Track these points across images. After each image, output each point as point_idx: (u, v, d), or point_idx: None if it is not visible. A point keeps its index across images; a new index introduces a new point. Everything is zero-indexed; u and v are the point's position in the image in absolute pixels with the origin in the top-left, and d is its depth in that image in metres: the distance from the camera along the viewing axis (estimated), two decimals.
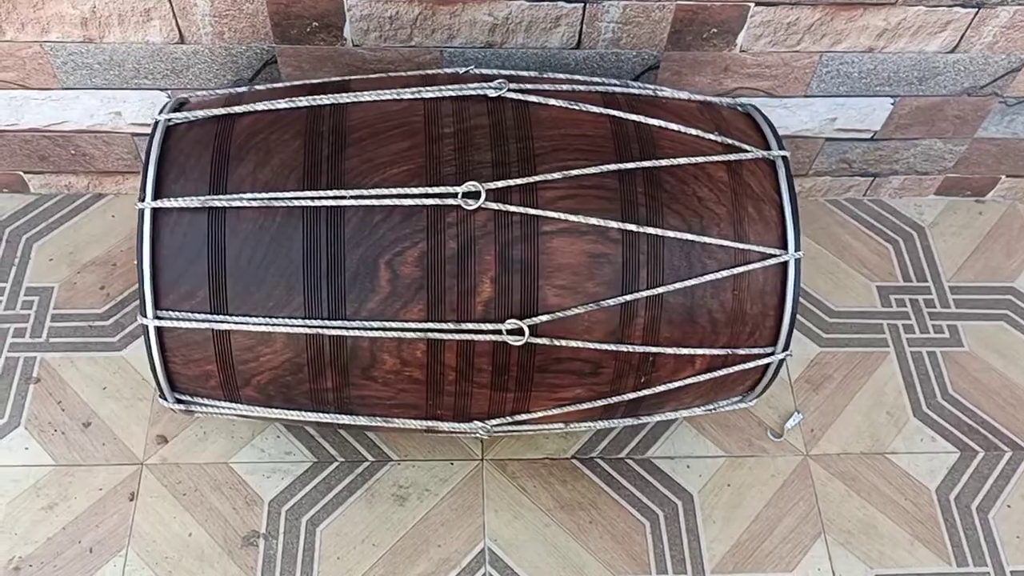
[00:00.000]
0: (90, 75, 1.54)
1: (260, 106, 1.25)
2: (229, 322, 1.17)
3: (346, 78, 1.37)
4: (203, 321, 1.18)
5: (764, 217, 1.26)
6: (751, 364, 1.31)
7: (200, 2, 1.43)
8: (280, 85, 1.35)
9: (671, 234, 1.21)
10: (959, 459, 1.62)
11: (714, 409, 1.44)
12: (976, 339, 1.75)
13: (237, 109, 1.25)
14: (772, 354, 1.31)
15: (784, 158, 1.30)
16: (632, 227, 1.20)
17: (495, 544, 1.49)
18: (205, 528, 1.47)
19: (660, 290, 1.21)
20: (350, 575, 1.44)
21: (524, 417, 1.31)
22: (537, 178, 1.19)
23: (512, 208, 1.18)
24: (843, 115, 1.71)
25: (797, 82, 1.63)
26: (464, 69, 1.43)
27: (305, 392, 1.24)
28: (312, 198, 1.17)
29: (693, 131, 1.28)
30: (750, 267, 1.24)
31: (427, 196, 1.17)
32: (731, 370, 1.31)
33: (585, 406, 1.30)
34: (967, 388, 1.70)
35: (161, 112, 1.27)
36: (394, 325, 1.18)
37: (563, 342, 1.21)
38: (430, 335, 1.18)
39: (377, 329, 1.18)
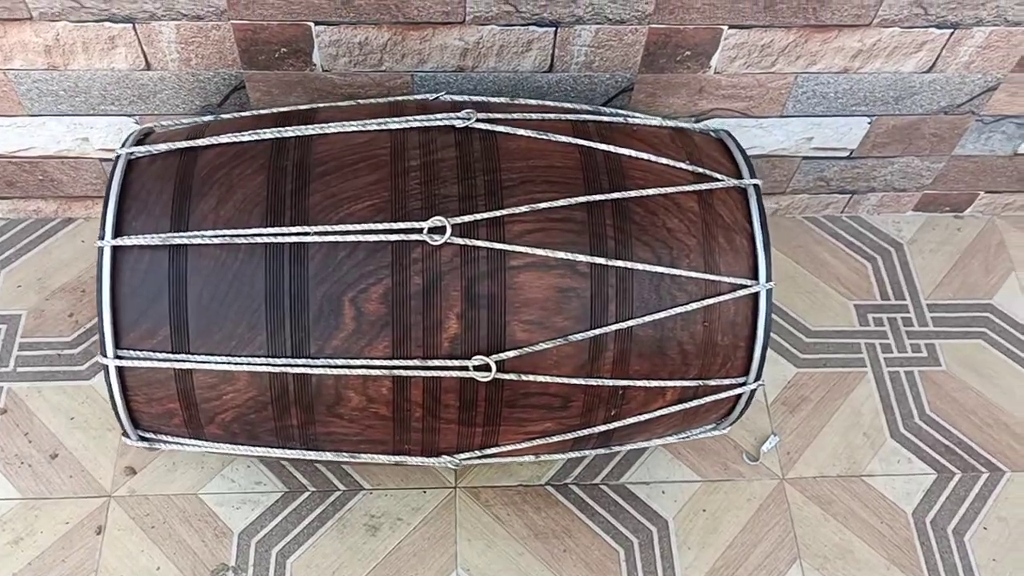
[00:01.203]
0: (56, 101, 1.52)
1: (224, 139, 1.23)
2: (191, 361, 1.15)
3: (315, 106, 1.35)
4: (164, 360, 1.16)
5: (735, 247, 1.25)
6: (723, 395, 1.29)
7: (165, 29, 1.40)
8: (247, 114, 1.33)
9: (640, 267, 1.19)
10: (936, 481, 1.62)
11: (687, 437, 1.43)
12: (954, 358, 1.75)
13: (200, 142, 1.23)
14: (744, 384, 1.30)
15: (756, 186, 1.28)
16: (600, 260, 1.18)
17: (468, 574, 1.47)
18: (174, 562, 1.45)
19: (629, 323, 1.20)
20: None
21: (494, 451, 1.29)
22: (504, 212, 1.18)
23: (478, 243, 1.16)
24: (819, 134, 1.70)
25: (772, 103, 1.62)
26: (434, 95, 1.41)
27: (270, 430, 1.23)
28: (275, 235, 1.15)
29: (664, 160, 1.26)
30: (721, 298, 1.23)
31: (392, 232, 1.15)
32: (703, 401, 1.29)
33: (555, 439, 1.29)
34: (944, 408, 1.69)
35: (123, 145, 1.25)
36: (359, 363, 1.16)
37: (531, 377, 1.19)
38: (395, 372, 1.17)
39: (342, 367, 1.16)
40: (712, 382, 1.28)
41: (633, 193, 1.22)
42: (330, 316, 1.15)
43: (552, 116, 1.30)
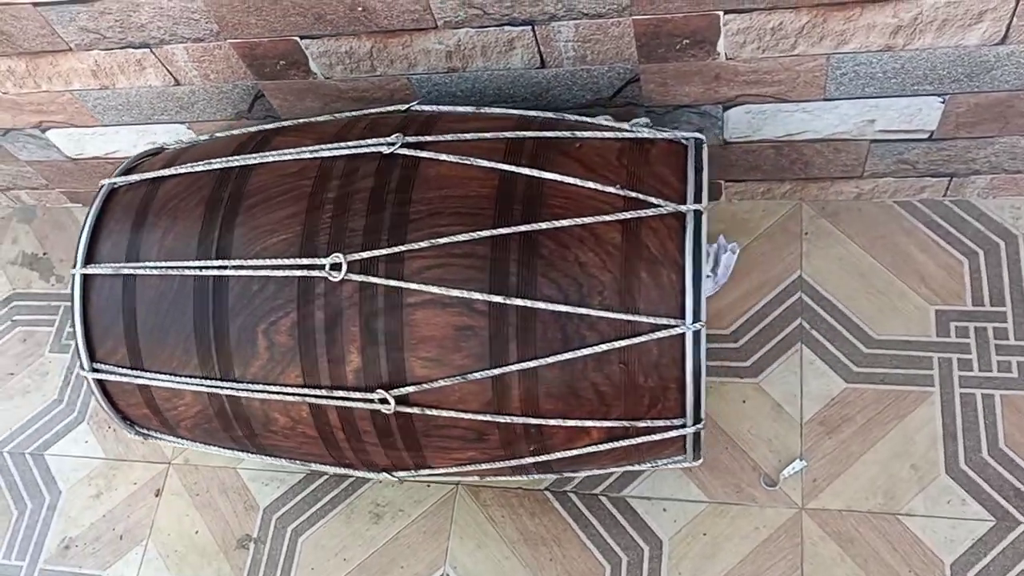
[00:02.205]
0: (118, 114, 1.70)
1: (183, 169, 1.32)
2: (144, 377, 1.29)
3: (279, 125, 1.40)
4: (125, 376, 1.30)
5: (660, 283, 1.14)
6: (660, 436, 1.20)
7: (179, 51, 1.51)
8: (222, 135, 1.42)
9: (543, 305, 1.13)
10: (992, 530, 1.39)
11: (656, 466, 1.34)
12: None
13: (165, 172, 1.33)
14: (683, 426, 1.19)
15: (696, 212, 1.15)
16: (499, 299, 1.14)
17: (454, 572, 1.52)
18: (209, 528, 1.64)
19: (532, 364, 1.15)
20: None
21: (429, 472, 1.31)
22: (403, 248, 1.16)
23: (375, 280, 1.16)
24: (882, 116, 1.46)
25: (808, 86, 1.41)
26: (406, 106, 1.41)
27: (225, 437, 1.34)
28: (200, 268, 1.23)
29: (592, 185, 1.17)
30: (639, 339, 1.13)
31: (297, 267, 1.19)
32: (640, 440, 1.21)
33: (486, 466, 1.28)
34: None
35: (115, 174, 1.39)
36: (275, 389, 1.23)
37: (436, 412, 1.19)
38: (308, 400, 1.22)
39: (262, 392, 1.23)
40: (642, 424, 1.19)
41: (544, 225, 1.15)
42: (247, 345, 1.22)
43: (490, 135, 1.24)
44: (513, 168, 1.19)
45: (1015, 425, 1.44)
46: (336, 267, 1.17)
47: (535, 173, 1.18)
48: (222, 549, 1.62)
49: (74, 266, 1.31)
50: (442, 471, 1.30)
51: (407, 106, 1.40)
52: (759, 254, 1.65)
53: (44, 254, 2.01)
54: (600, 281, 1.14)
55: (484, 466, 1.27)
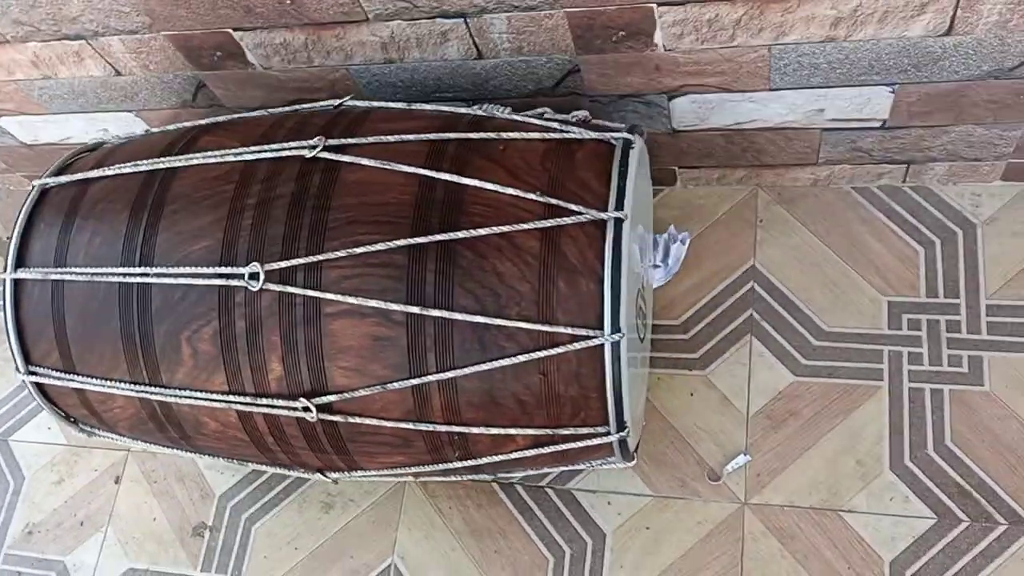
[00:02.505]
0: (65, 103, 1.68)
1: (111, 171, 1.31)
2: (76, 381, 1.29)
3: (210, 122, 1.38)
4: (59, 379, 1.30)
5: (578, 293, 1.12)
6: (585, 443, 1.20)
7: (114, 43, 1.49)
8: (156, 131, 1.41)
9: (460, 316, 1.12)
10: (933, 527, 1.38)
11: (591, 467, 1.34)
12: (1003, 376, 1.43)
13: (93, 174, 1.32)
14: (608, 434, 1.19)
15: (617, 220, 1.13)
16: (415, 310, 1.12)
17: (402, 562, 1.54)
18: (166, 516, 1.67)
19: (451, 374, 1.14)
20: (271, 575, 1.58)
21: (363, 474, 1.32)
22: (321, 257, 1.15)
23: (293, 290, 1.15)
24: (831, 105, 1.41)
25: (753, 76, 1.37)
26: (339, 102, 1.38)
27: (162, 438, 1.35)
28: (124, 275, 1.22)
29: (512, 191, 1.15)
30: (558, 350, 1.12)
31: (217, 276, 1.18)
32: (567, 447, 1.21)
33: (418, 469, 1.28)
34: (972, 439, 1.41)
35: (47, 174, 1.37)
36: (202, 396, 1.23)
37: (359, 420, 1.19)
38: (235, 407, 1.22)
39: (190, 398, 1.24)
40: (566, 431, 1.18)
41: (462, 234, 1.13)
42: (172, 352, 1.22)
43: (412, 138, 1.22)
44: (433, 174, 1.17)
45: (962, 421, 1.42)
46: (255, 276, 1.16)
47: (455, 179, 1.16)
48: (178, 537, 1.64)
49: (3, 269, 1.31)
50: (374, 472, 1.31)
51: (339, 102, 1.37)
52: (713, 242, 1.62)
53: (8, 238, 2.01)
54: (518, 292, 1.12)
55: (414, 469, 1.28)
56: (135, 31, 1.45)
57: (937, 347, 1.47)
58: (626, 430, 1.17)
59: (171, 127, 1.41)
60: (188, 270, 1.19)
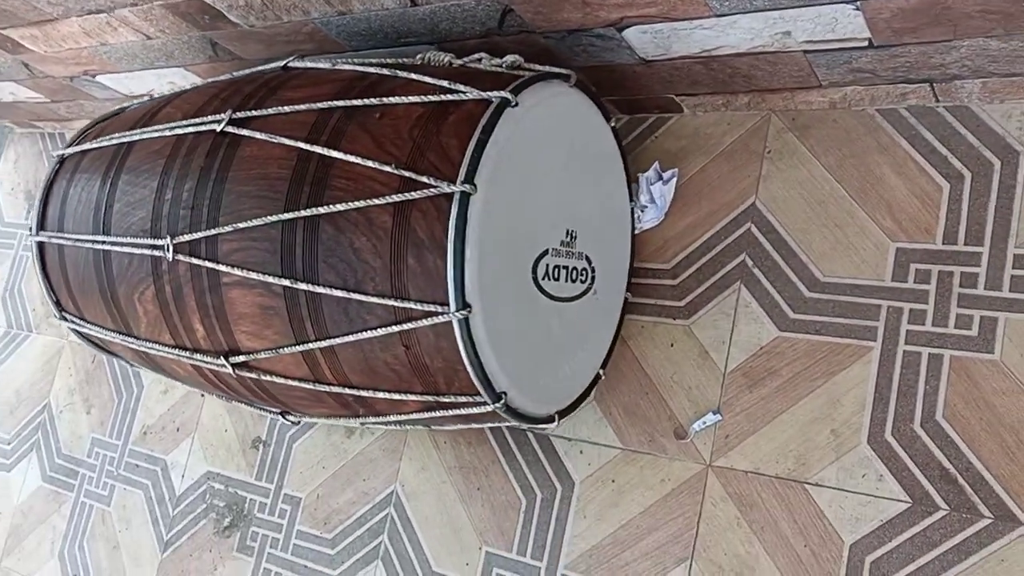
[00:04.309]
0: (129, 63, 1.87)
1: (96, 144, 1.46)
2: (86, 326, 1.50)
3: (177, 91, 1.48)
4: (80, 326, 1.52)
5: (426, 269, 1.10)
6: (468, 410, 1.20)
7: (128, 14, 1.62)
8: (137, 103, 1.54)
9: (324, 291, 1.15)
10: (905, 512, 1.21)
11: (523, 429, 1.33)
12: (1021, 343, 1.19)
13: (88, 146, 1.48)
14: (484, 404, 1.18)
15: (463, 194, 1.08)
16: (287, 283, 1.17)
17: (402, 489, 1.64)
18: (235, 428, 1.90)
19: (328, 343, 1.18)
20: (304, 489, 1.75)
21: (309, 418, 1.41)
22: (216, 231, 1.23)
23: (197, 261, 1.25)
24: (796, 28, 1.21)
25: (692, 3, 1.20)
26: (284, 62, 1.42)
27: (166, 374, 1.53)
28: (92, 241, 1.39)
29: (371, 164, 1.14)
30: (414, 324, 1.12)
31: (148, 247, 1.30)
32: (453, 412, 1.22)
33: (348, 421, 1.35)
34: (967, 416, 1.21)
35: (67, 144, 1.56)
36: (160, 347, 1.38)
37: (270, 378, 1.28)
38: (182, 359, 1.36)
39: (154, 348, 1.39)
40: (445, 399, 1.19)
41: (323, 210, 1.14)
42: (131, 310, 1.37)
43: (303, 108, 1.23)
44: (308, 147, 1.18)
45: (960, 394, 1.21)
46: (169, 248, 1.27)
47: (326, 152, 1.17)
48: (241, 448, 1.87)
49: (29, 230, 1.53)
50: (320, 419, 1.40)
51: (285, 63, 1.41)
52: (715, 176, 1.47)
53: None
54: (372, 267, 1.12)
55: (342, 420, 1.35)
56: (135, 3, 1.57)
57: (945, 304, 1.25)
58: (503, 398, 1.15)
59: (153, 96, 1.53)
60: (129, 240, 1.32)
